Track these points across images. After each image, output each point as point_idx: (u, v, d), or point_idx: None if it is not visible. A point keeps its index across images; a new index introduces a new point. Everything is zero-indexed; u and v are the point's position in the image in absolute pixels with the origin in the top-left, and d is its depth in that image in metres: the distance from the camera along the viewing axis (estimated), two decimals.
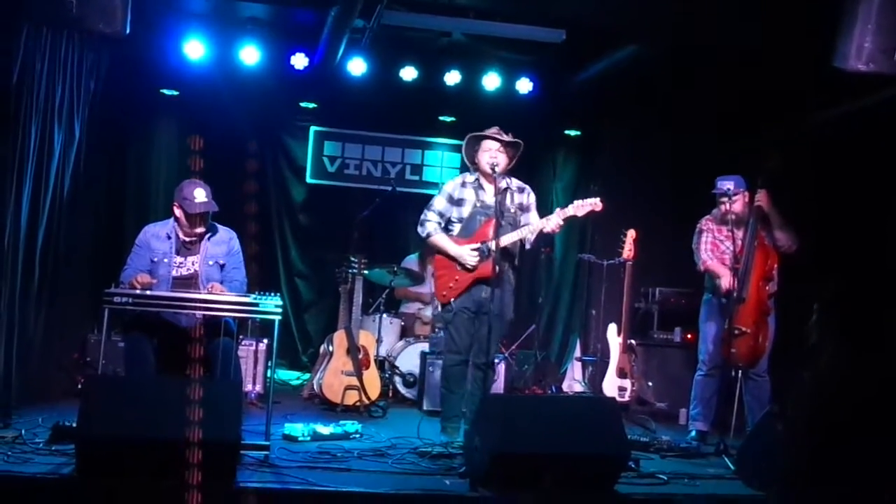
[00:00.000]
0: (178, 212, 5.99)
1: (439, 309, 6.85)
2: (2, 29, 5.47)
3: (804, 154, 7.84)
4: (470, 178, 6.42)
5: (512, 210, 6.29)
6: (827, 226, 7.75)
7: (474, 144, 6.35)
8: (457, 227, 6.36)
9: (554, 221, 6.13)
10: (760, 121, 8.31)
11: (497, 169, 6.13)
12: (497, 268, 5.96)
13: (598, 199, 6.23)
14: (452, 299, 6.25)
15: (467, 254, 6.18)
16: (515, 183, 6.39)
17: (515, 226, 6.24)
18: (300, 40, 8.72)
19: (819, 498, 3.01)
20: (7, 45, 5.52)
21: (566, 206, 6.27)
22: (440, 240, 6.33)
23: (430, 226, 6.35)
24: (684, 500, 5.11)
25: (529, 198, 6.44)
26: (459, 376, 6.28)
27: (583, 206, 6.17)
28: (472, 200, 6.34)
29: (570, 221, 6.32)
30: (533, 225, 6.21)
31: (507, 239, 6.15)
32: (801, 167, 7.59)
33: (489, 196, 6.30)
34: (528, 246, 6.32)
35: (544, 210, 6.48)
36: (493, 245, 6.04)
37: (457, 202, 6.37)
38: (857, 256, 7.25)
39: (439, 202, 6.40)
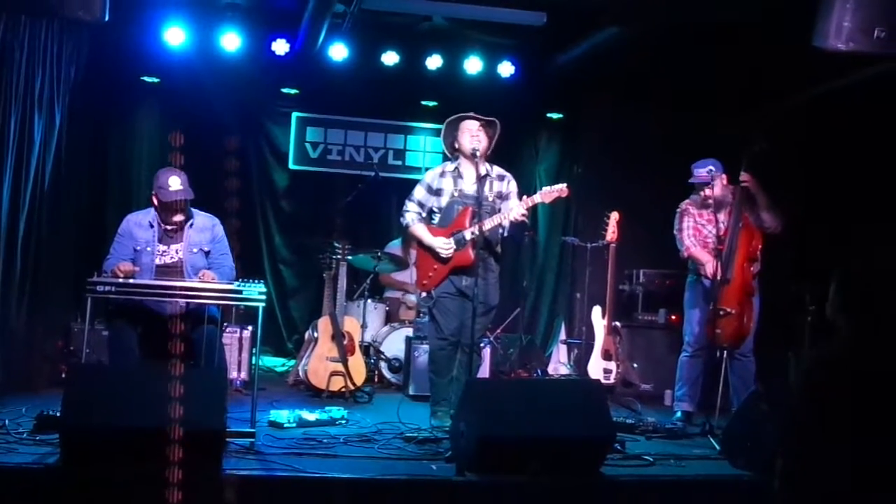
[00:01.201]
0: (155, 200, 5.97)
1: (414, 298, 6.87)
2: None
3: (787, 135, 7.87)
4: (450, 166, 6.41)
5: (490, 198, 6.25)
6: (811, 208, 7.81)
7: (453, 129, 6.33)
8: (437, 217, 6.37)
9: (516, 210, 6.09)
10: (743, 102, 8.33)
11: (478, 153, 6.11)
12: (476, 255, 5.98)
13: (564, 186, 6.21)
14: (432, 288, 6.28)
15: (440, 245, 6.19)
16: (496, 171, 6.36)
17: (493, 213, 6.22)
18: (281, 26, 8.67)
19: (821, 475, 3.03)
20: None
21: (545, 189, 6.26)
22: (417, 230, 6.34)
23: (409, 216, 6.36)
24: None
25: (510, 185, 6.41)
26: (447, 361, 6.30)
27: (549, 193, 6.15)
28: (449, 189, 6.33)
29: (554, 204, 6.30)
30: (498, 215, 6.17)
31: (477, 229, 6.11)
32: (784, 148, 7.61)
33: (468, 184, 6.28)
34: (504, 233, 6.29)
35: (527, 193, 6.46)
36: (468, 234, 6.08)
37: (436, 192, 6.36)
38: (845, 240, 7.30)
39: (419, 192, 6.40)
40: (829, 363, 3.14)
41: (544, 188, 6.25)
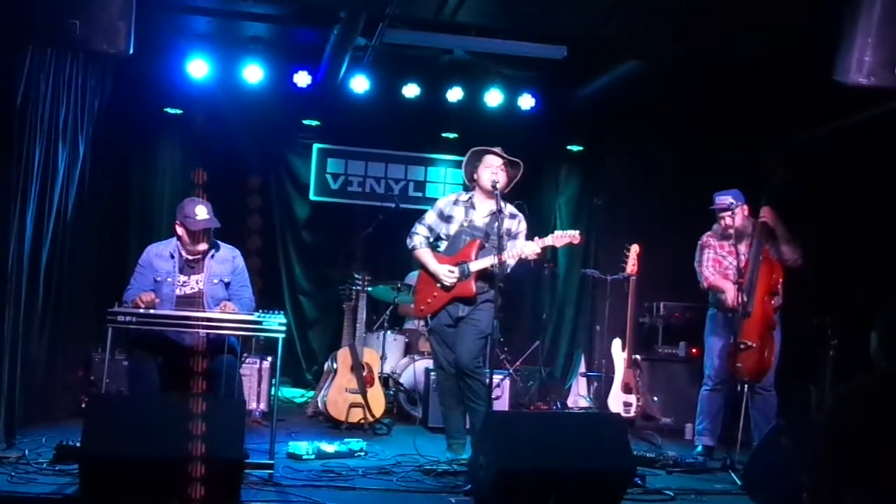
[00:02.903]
0: (179, 230, 6.00)
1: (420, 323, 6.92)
2: (6, 51, 5.48)
3: (808, 167, 7.84)
4: (464, 196, 6.44)
5: (500, 233, 6.13)
6: (832, 241, 7.76)
7: (475, 160, 6.35)
8: (444, 244, 6.40)
9: (530, 248, 6.14)
10: (763, 135, 8.32)
11: (497, 186, 6.12)
12: (477, 289, 6.10)
13: (577, 233, 6.26)
14: (429, 315, 6.34)
15: (444, 273, 6.21)
16: (509, 209, 6.32)
17: (500, 250, 6.21)
18: (303, 59, 8.76)
19: None
20: (11, 67, 5.54)
21: (565, 226, 6.30)
22: (423, 254, 6.36)
23: (417, 239, 6.38)
24: None
25: (520, 226, 6.38)
26: (449, 390, 6.32)
27: (561, 238, 6.19)
28: (459, 219, 6.35)
29: (571, 227, 6.32)
30: (510, 250, 6.16)
31: (480, 263, 6.17)
32: (805, 180, 7.59)
33: (479, 217, 6.32)
34: (506, 271, 6.19)
35: (546, 226, 6.47)
36: (473, 266, 6.14)
37: (446, 218, 6.38)
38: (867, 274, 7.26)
39: (430, 217, 6.42)
40: (865, 390, 3.12)
41: (557, 232, 6.28)
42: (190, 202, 5.99)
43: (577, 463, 4.95)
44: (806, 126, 8.20)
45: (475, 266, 6.16)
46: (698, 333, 7.14)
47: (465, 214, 6.35)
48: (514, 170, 6.32)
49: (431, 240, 6.41)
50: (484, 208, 6.31)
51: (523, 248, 6.15)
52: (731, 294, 6.50)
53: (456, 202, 6.41)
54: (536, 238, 6.22)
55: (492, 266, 6.10)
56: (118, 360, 6.98)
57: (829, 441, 3.15)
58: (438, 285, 6.26)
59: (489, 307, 6.21)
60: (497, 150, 6.31)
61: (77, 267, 7.12)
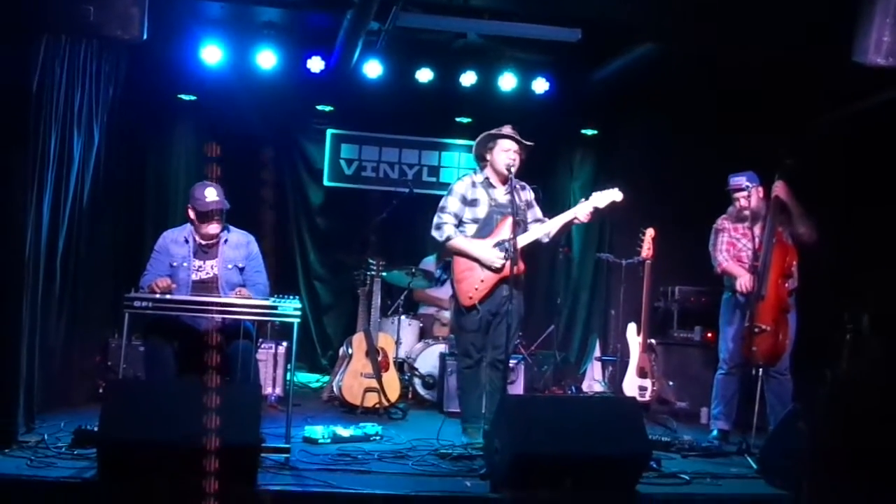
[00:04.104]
0: (191, 213, 6.04)
1: (452, 315, 6.84)
2: (21, 38, 5.49)
3: (827, 150, 7.80)
4: (479, 177, 6.36)
5: (523, 207, 6.27)
6: (850, 224, 7.72)
7: (488, 142, 6.32)
8: (471, 228, 6.27)
9: (584, 209, 6.15)
10: (779, 117, 8.27)
11: (513, 171, 6.13)
12: (516, 267, 5.96)
13: (616, 189, 6.23)
14: (478, 302, 6.14)
15: (493, 255, 6.10)
16: (517, 181, 6.30)
17: (526, 222, 6.24)
18: (316, 44, 8.75)
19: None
20: (26, 54, 5.55)
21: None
22: (460, 242, 6.23)
23: (449, 228, 6.23)
24: None
25: (530, 193, 6.44)
26: (474, 378, 6.25)
27: (603, 196, 6.18)
28: (486, 200, 6.27)
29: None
30: (559, 217, 6.19)
31: (529, 236, 6.17)
32: (823, 163, 7.55)
33: (500, 194, 6.28)
34: (546, 240, 6.29)
35: (562, 209, 6.44)
36: (526, 237, 6.10)
37: (471, 202, 6.29)
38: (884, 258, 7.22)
39: (453, 203, 6.29)
40: (858, 384, 3.11)
41: (595, 193, 6.25)
42: (199, 186, 6.03)
43: (593, 447, 4.95)
44: (825, 109, 8.15)
45: (527, 237, 6.12)
46: (713, 317, 7.12)
47: (489, 194, 6.29)
48: (526, 151, 6.30)
49: (456, 225, 6.28)
50: (501, 187, 6.30)
51: (576, 210, 6.16)
52: (744, 280, 6.48)
53: (474, 185, 6.32)
54: (582, 200, 6.24)
55: (547, 235, 6.16)
56: (135, 346, 7.02)
57: (830, 428, 3.14)
58: (483, 268, 6.15)
59: (521, 293, 6.22)
60: (507, 129, 6.27)
61: (93, 253, 7.15)
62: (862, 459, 2.99)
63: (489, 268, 6.13)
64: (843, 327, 6.65)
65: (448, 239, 6.25)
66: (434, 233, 6.31)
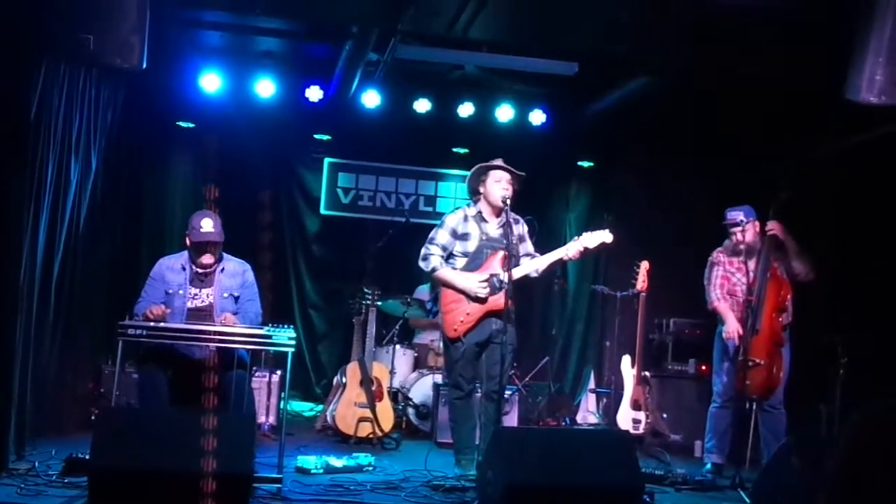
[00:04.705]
0: (187, 241, 6.06)
1: (442, 346, 6.81)
2: (21, 65, 5.52)
3: (820, 184, 7.84)
4: (471, 211, 6.38)
5: (515, 242, 6.26)
6: (844, 258, 7.73)
7: (480, 175, 6.35)
8: (460, 262, 6.28)
9: (574, 247, 6.13)
10: (775, 152, 8.31)
11: (508, 202, 6.14)
12: (510, 301, 5.95)
13: (607, 231, 6.22)
14: (463, 334, 6.15)
15: (476, 285, 6.12)
16: (511, 215, 6.30)
17: (517, 257, 6.24)
18: (315, 73, 8.81)
19: None
20: (26, 81, 5.58)
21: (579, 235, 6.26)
22: (446, 273, 6.24)
23: (435, 259, 6.24)
24: None
25: (523, 227, 6.45)
26: (466, 409, 6.27)
27: (593, 237, 6.16)
28: (477, 234, 6.28)
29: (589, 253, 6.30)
30: (550, 254, 6.19)
31: (518, 272, 6.14)
32: (816, 197, 7.58)
33: (492, 228, 6.30)
34: (535, 275, 6.28)
35: (557, 241, 6.47)
36: (504, 277, 6.02)
37: (461, 236, 6.30)
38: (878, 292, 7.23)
39: (442, 236, 6.30)
40: (881, 424, 3.08)
41: (585, 233, 6.22)
42: (198, 215, 6.05)
43: (586, 479, 4.95)
44: (820, 143, 8.19)
45: (517, 273, 6.09)
46: (708, 350, 7.11)
47: (480, 228, 6.31)
48: (519, 183, 6.32)
49: (445, 258, 6.29)
50: (494, 220, 6.31)
51: (567, 248, 6.15)
52: (730, 327, 6.48)
53: (466, 218, 6.34)
54: (575, 237, 6.24)
55: (536, 271, 6.15)
56: (128, 373, 6.99)
57: (847, 466, 3.11)
58: (469, 300, 6.16)
59: (513, 325, 6.21)
60: (501, 163, 6.29)
61: (89, 279, 7.15)
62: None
63: (475, 300, 6.14)
64: (837, 362, 6.65)
65: (433, 270, 6.27)
66: (421, 263, 6.32)
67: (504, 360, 5.93)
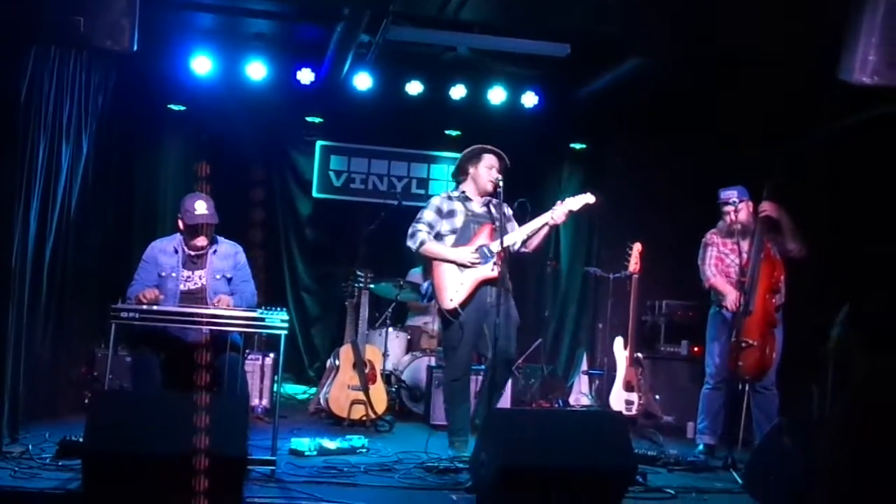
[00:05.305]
0: (180, 224, 6.04)
1: (436, 326, 6.80)
2: (10, 48, 5.49)
3: (813, 166, 7.84)
4: (455, 192, 6.49)
5: (499, 216, 6.30)
6: (836, 239, 7.74)
7: (475, 156, 6.41)
8: (449, 239, 6.33)
9: (560, 211, 6.20)
10: (766, 133, 8.31)
11: (500, 184, 6.21)
12: (501, 270, 6.04)
13: (589, 194, 6.30)
14: (460, 306, 6.16)
15: (467, 255, 6.20)
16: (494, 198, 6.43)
17: (506, 232, 6.28)
18: (306, 55, 8.78)
19: None
20: (16, 64, 5.55)
21: (568, 224, 6.36)
22: (434, 247, 6.30)
23: (421, 235, 6.29)
24: None
25: (508, 211, 6.50)
26: (461, 391, 6.30)
27: (577, 200, 6.24)
28: (462, 211, 6.37)
29: (579, 222, 6.34)
30: (536, 219, 6.26)
31: (509, 238, 6.22)
32: (809, 179, 7.59)
33: (477, 206, 6.40)
34: (525, 249, 6.36)
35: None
36: (493, 247, 6.13)
37: (447, 214, 6.37)
38: (871, 269, 7.23)
39: (428, 214, 6.38)
40: (865, 406, 3.09)
41: (568, 198, 6.30)
42: (190, 197, 6.03)
43: (579, 460, 4.95)
44: (812, 124, 8.19)
45: (508, 240, 6.17)
46: (700, 332, 7.14)
47: (465, 206, 6.39)
48: (506, 172, 6.38)
49: (432, 236, 6.35)
50: (478, 199, 6.41)
51: (552, 212, 6.21)
52: (731, 298, 6.52)
53: (450, 198, 6.44)
54: (558, 202, 6.29)
55: (528, 235, 6.25)
56: (121, 357, 7.00)
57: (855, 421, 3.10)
58: (464, 271, 6.21)
59: (510, 294, 6.26)
60: (496, 149, 6.37)
61: (81, 263, 7.14)
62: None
63: (468, 270, 6.19)
64: (828, 343, 6.67)
65: (422, 244, 6.31)
66: (408, 241, 6.36)
67: (511, 328, 6.08)
